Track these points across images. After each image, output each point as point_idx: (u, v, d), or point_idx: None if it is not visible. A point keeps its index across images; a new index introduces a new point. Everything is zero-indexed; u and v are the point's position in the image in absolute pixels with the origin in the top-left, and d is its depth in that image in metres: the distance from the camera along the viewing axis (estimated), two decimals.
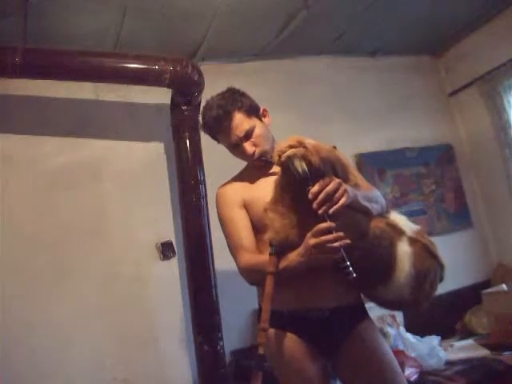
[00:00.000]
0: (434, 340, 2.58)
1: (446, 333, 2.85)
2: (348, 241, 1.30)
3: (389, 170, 3.20)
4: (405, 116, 3.35)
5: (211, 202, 2.32)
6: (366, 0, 2.62)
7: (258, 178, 1.67)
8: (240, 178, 1.73)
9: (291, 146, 1.37)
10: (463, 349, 2.66)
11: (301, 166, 1.33)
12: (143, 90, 2.55)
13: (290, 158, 1.35)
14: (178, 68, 2.36)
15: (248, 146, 1.61)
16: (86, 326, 2.36)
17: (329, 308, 1.53)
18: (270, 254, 1.43)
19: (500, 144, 3.21)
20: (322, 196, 1.32)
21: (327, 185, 1.33)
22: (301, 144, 1.38)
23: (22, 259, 2.34)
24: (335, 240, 1.30)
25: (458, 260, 3.09)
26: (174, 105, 2.52)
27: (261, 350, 1.37)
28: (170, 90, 2.47)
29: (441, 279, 1.51)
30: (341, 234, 1.31)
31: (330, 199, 1.32)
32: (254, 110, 1.66)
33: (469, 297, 2.96)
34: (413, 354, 2.44)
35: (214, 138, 1.73)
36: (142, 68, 2.35)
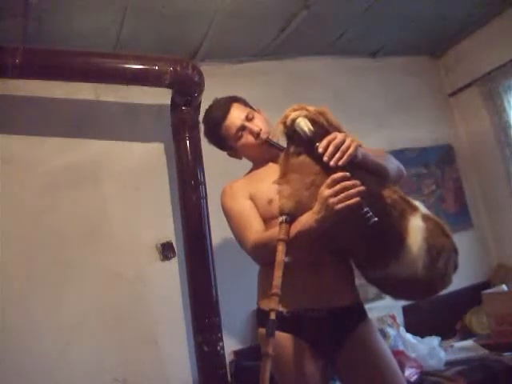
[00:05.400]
0: (434, 340, 2.58)
1: (446, 333, 2.85)
2: (363, 187, 1.29)
3: None
4: (405, 116, 3.34)
5: (211, 203, 2.33)
6: (366, 1, 2.62)
7: (264, 172, 1.69)
8: (244, 177, 1.76)
9: (294, 110, 1.41)
10: (463, 349, 2.66)
11: (306, 125, 1.36)
12: (143, 90, 2.55)
13: (294, 120, 1.37)
14: (178, 68, 2.36)
15: (253, 126, 1.67)
16: (86, 326, 2.36)
17: (327, 308, 1.53)
18: (280, 223, 1.41)
19: (500, 144, 3.21)
20: (331, 148, 1.32)
21: (334, 138, 1.34)
22: (302, 108, 1.41)
23: (22, 259, 2.34)
24: (351, 186, 1.29)
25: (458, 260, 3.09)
26: (174, 105, 2.52)
27: (272, 316, 1.34)
28: (170, 91, 2.47)
29: (455, 266, 1.48)
30: (356, 181, 1.30)
31: (338, 151, 1.32)
32: (249, 105, 1.78)
33: (469, 297, 2.95)
34: (413, 355, 2.44)
35: (218, 139, 1.77)
36: (142, 68, 2.35)
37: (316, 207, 1.35)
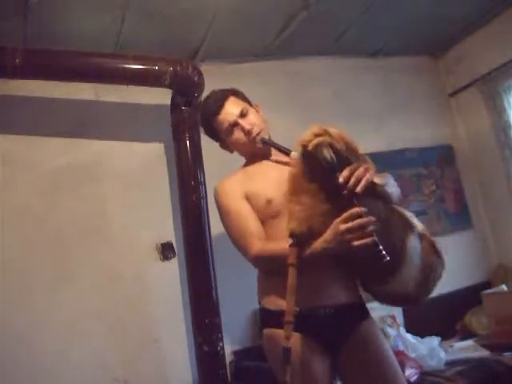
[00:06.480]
0: (434, 341, 2.58)
1: (446, 333, 2.85)
2: (377, 226, 1.30)
3: (389, 170, 3.15)
4: (405, 117, 3.34)
5: (211, 203, 2.32)
6: (366, 1, 2.62)
7: (257, 170, 1.69)
8: (238, 173, 1.75)
9: (316, 135, 1.37)
10: (463, 349, 2.66)
11: (329, 154, 1.34)
12: (143, 90, 2.55)
13: (317, 146, 1.35)
14: (179, 69, 2.37)
15: (246, 124, 1.67)
16: (86, 327, 2.36)
17: (333, 305, 1.54)
18: (290, 246, 1.42)
19: (500, 144, 3.21)
20: (352, 180, 1.33)
21: (356, 169, 1.35)
22: (325, 132, 1.38)
23: (22, 259, 2.34)
24: (368, 224, 1.30)
25: (458, 260, 3.09)
26: (174, 105, 2.52)
27: (286, 343, 1.36)
28: (170, 91, 2.48)
29: (439, 277, 1.52)
30: (372, 218, 1.30)
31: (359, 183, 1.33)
32: (247, 100, 1.77)
33: (469, 297, 2.95)
34: (413, 355, 2.44)
35: (212, 130, 1.77)
36: (143, 69, 2.35)
37: (328, 236, 1.37)
